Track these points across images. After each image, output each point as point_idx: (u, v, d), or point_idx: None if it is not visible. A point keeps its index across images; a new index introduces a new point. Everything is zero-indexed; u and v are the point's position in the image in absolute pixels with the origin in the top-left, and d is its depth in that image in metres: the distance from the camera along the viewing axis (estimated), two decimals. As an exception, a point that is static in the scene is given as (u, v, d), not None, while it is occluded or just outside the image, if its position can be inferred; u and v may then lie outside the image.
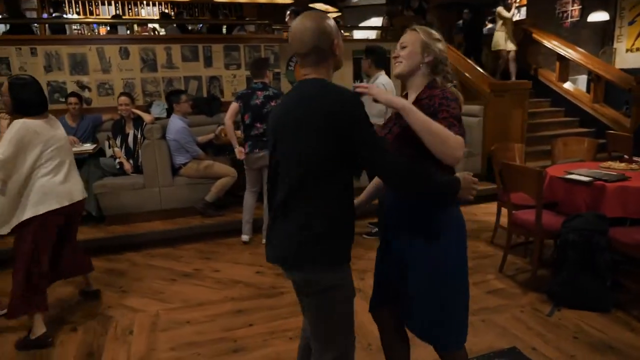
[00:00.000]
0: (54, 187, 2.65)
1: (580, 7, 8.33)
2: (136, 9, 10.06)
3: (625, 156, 4.27)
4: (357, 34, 9.94)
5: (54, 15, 8.52)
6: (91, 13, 9.85)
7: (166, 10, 9.65)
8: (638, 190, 2.88)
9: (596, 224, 2.83)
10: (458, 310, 1.68)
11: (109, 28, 8.30)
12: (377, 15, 10.86)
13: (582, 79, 7.69)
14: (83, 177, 4.18)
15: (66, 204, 2.70)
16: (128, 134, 4.64)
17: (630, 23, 7.80)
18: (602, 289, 2.80)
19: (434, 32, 1.64)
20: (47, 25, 7.66)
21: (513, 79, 7.27)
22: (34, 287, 2.65)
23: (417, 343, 1.78)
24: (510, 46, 7.44)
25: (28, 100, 2.57)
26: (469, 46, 8.37)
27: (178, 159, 4.48)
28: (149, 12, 10.05)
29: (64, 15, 8.72)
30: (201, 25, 8.77)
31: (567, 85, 7.32)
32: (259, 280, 3.41)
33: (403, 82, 1.72)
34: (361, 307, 2.72)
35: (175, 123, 4.43)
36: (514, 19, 7.37)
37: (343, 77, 6.32)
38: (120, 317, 2.96)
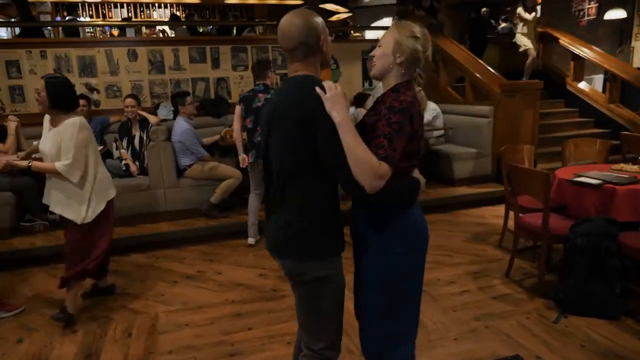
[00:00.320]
0: (107, 176, 2.96)
1: (597, 4, 8.15)
2: (148, 12, 10.16)
3: (640, 158, 4.14)
4: (369, 34, 9.88)
5: (67, 18, 8.64)
6: (104, 16, 9.99)
7: (177, 13, 9.71)
8: (650, 194, 2.78)
9: (606, 228, 2.73)
10: (400, 327, 1.61)
11: (119, 31, 8.39)
12: (389, 15, 10.79)
13: (598, 78, 7.51)
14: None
15: (114, 194, 3.00)
16: (134, 136, 4.66)
17: (649, 20, 7.60)
18: (611, 295, 2.70)
19: (414, 29, 1.52)
20: (60, 28, 7.76)
21: (524, 79, 7.13)
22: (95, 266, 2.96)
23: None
24: (531, 45, 7.16)
25: (66, 97, 2.72)
26: (473, 45, 8.25)
27: (183, 160, 4.48)
28: (160, 14, 10.14)
29: (77, 19, 8.83)
30: (211, 27, 8.82)
31: (582, 85, 7.15)
32: (260, 282, 3.38)
33: None
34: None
35: (181, 125, 4.44)
36: (527, 17, 7.18)
37: (352, 78, 6.28)
38: (120, 319, 2.96)
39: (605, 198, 2.91)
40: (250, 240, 4.11)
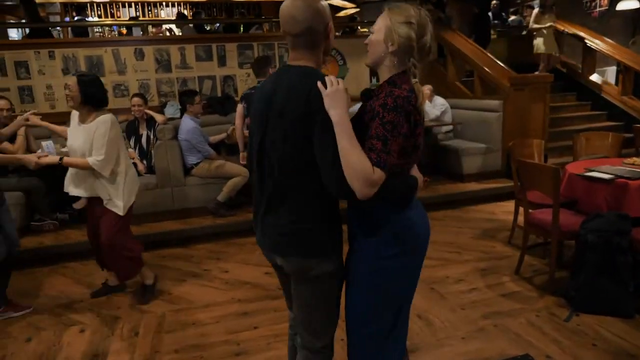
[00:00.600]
0: (134, 171, 3.04)
1: (608, -5, 7.98)
2: (155, 10, 10.19)
3: (654, 151, 4.04)
4: (376, 30, 9.80)
5: (76, 18, 8.70)
6: (112, 15, 10.04)
7: (184, 11, 9.73)
8: (664, 188, 2.70)
9: (617, 224, 2.67)
10: (388, 332, 1.54)
11: (126, 30, 8.43)
12: (396, 9, 10.67)
13: (611, 70, 7.36)
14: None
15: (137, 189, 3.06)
16: (141, 135, 4.67)
17: (663, 10, 7.42)
18: (623, 293, 2.64)
19: (408, 13, 1.38)
20: (69, 28, 7.82)
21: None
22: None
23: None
24: (551, 50, 6.84)
25: (97, 94, 2.79)
26: (477, 39, 8.13)
27: (190, 159, 4.48)
28: (168, 12, 10.16)
29: (86, 19, 8.88)
30: (218, 24, 8.82)
31: (594, 77, 7.02)
32: (266, 281, 3.37)
33: None
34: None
35: (187, 123, 4.44)
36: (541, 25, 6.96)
37: (359, 74, 6.24)
38: (127, 318, 2.97)
39: (617, 193, 2.84)
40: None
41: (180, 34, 7.96)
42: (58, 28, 8.18)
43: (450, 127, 5.75)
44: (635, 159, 3.26)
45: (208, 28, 8.71)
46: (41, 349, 2.65)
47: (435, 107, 5.50)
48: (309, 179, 1.40)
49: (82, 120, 2.82)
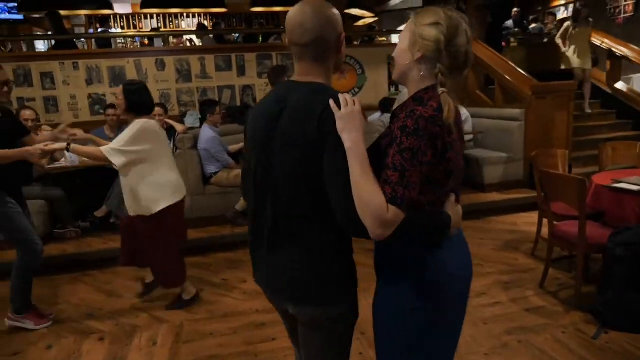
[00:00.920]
0: (178, 180, 3.02)
1: (634, 1, 7.82)
2: (177, 22, 10.38)
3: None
4: (395, 39, 9.79)
5: (99, 30, 8.91)
6: (135, 27, 10.26)
7: (204, 22, 9.88)
8: (697, 201, 2.60)
9: (648, 237, 2.57)
10: None
11: (148, 41, 8.59)
12: (415, 18, 10.66)
13: (637, 78, 7.18)
14: (118, 187, 4.33)
15: (181, 197, 3.03)
16: (162, 144, 4.72)
17: (691, 16, 7.23)
18: (655, 309, 2.54)
19: (436, 14, 1.19)
20: (93, 40, 8.01)
21: (587, 104, 6.67)
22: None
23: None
24: (585, 64, 6.56)
25: (141, 102, 2.88)
26: (491, 44, 8.05)
27: (209, 168, 4.51)
28: (188, 23, 10.33)
29: (109, 30, 9.10)
30: (238, 35, 8.92)
31: (620, 85, 6.85)
32: (285, 291, 3.34)
33: None
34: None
35: (206, 133, 4.47)
36: (562, 16, 6.89)
37: (378, 83, 6.22)
38: (145, 327, 2.97)
39: (647, 205, 2.74)
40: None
41: (201, 44, 8.08)
42: (82, 39, 8.38)
43: (471, 136, 5.67)
44: (665, 169, 3.16)
45: (227, 39, 8.81)
46: (61, 357, 2.67)
47: (455, 116, 5.43)
48: (326, 210, 1.20)
49: (129, 124, 2.90)
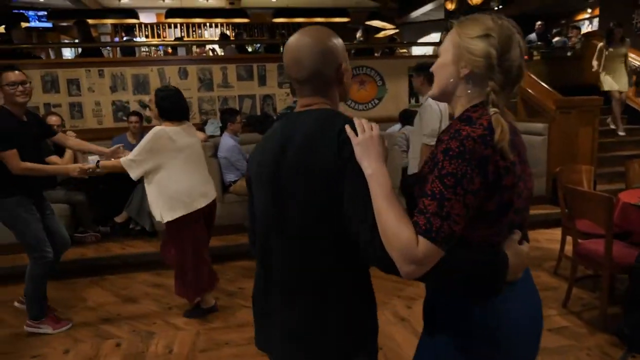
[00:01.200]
0: (197, 188, 2.98)
1: (661, 15, 7.67)
2: (199, 31, 10.55)
3: None
4: (415, 50, 9.79)
5: (125, 39, 9.11)
6: (159, 36, 10.47)
7: (226, 32, 10.02)
8: None
9: (678, 259, 2.48)
10: None
11: (171, 49, 8.75)
12: (436, 30, 10.65)
13: (665, 93, 7.02)
14: (138, 193, 4.39)
15: (203, 204, 3.00)
16: (182, 152, 4.76)
17: None
18: (686, 334, 2.44)
19: (485, 24, 1.03)
20: (118, 48, 8.19)
21: (619, 126, 6.46)
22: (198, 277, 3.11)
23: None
24: (621, 86, 6.31)
25: (168, 108, 2.92)
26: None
27: (228, 176, 4.53)
28: (211, 33, 10.50)
29: (134, 39, 9.30)
30: (259, 45, 9.03)
31: (646, 100, 6.71)
32: (301, 303, 3.32)
33: None
34: (404, 337, 2.55)
35: (227, 141, 4.50)
36: (586, 30, 6.78)
37: (398, 94, 6.19)
38: (162, 334, 2.98)
39: (678, 225, 2.65)
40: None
41: (223, 53, 8.18)
42: (108, 47, 8.57)
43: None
44: (696, 189, 3.05)
45: (250, 50, 8.93)
46: (79, 361, 2.69)
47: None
48: (345, 247, 1.10)
49: None
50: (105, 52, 7.80)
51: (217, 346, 2.81)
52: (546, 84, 5.67)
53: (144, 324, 3.11)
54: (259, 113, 5.84)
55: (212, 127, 5.39)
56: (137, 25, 10.15)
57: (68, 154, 4.38)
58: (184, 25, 10.47)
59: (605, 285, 2.78)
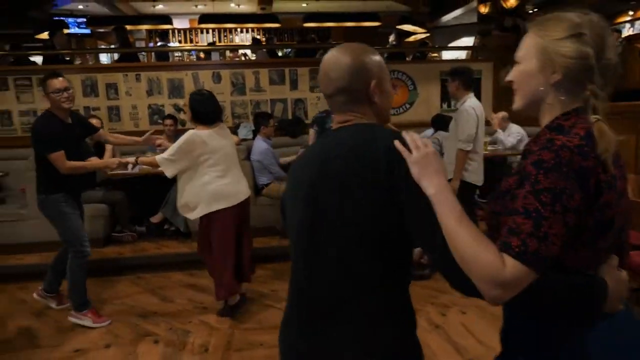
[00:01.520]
0: (223, 188, 3.04)
1: None
2: (231, 36, 10.73)
3: None
4: (447, 55, 9.69)
5: (159, 44, 9.34)
6: (191, 41, 10.69)
7: (257, 36, 10.15)
8: None
9: None
10: None
11: (204, 54, 8.93)
12: (469, 34, 10.52)
13: None
14: (174, 195, 4.48)
15: (235, 203, 3.08)
16: (216, 154, 4.85)
17: None
18: None
19: (572, 22, 0.93)
20: (153, 53, 8.40)
21: None
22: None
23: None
24: None
25: (202, 112, 3.02)
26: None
27: (261, 179, 4.58)
28: (242, 38, 10.65)
29: (168, 44, 9.52)
30: (289, 50, 9.11)
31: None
32: (334, 306, 3.32)
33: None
34: (438, 345, 2.53)
35: (260, 144, 4.56)
36: (628, 33, 6.54)
37: (430, 99, 6.14)
38: (197, 332, 3.03)
39: None
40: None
41: (254, 58, 8.29)
42: (143, 53, 8.81)
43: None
44: None
45: (280, 54, 9.02)
46: (119, 356, 2.77)
47: (510, 135, 5.28)
48: (391, 268, 1.06)
49: None
50: (140, 58, 8.02)
51: (251, 346, 2.84)
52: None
53: (180, 322, 3.17)
54: (290, 117, 5.89)
55: (245, 131, 5.46)
56: (170, 31, 10.39)
57: (107, 154, 4.53)
58: (216, 30, 10.66)
59: (652, 297, 2.68)
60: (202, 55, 9.39)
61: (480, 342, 2.71)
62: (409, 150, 1.00)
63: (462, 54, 8.68)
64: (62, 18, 9.38)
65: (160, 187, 4.56)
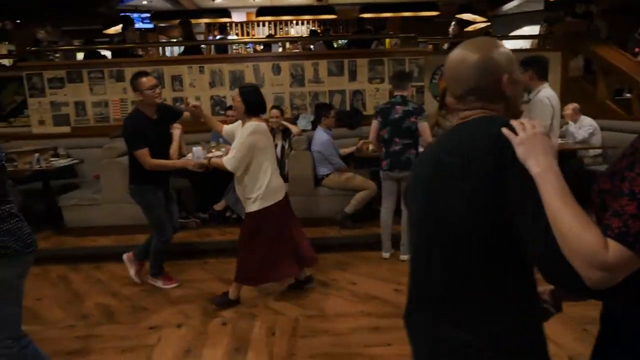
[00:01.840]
0: (277, 181, 3.16)
1: None
2: (287, 29, 10.83)
3: None
4: (508, 44, 9.31)
5: (218, 37, 9.59)
6: (248, 34, 10.89)
7: (313, 28, 10.18)
8: None
9: None
10: None
11: (262, 47, 9.07)
12: (531, 23, 10.05)
13: None
14: (234, 184, 4.61)
15: (281, 197, 3.19)
16: (276, 145, 4.93)
17: None
18: None
19: None
20: (212, 45, 8.64)
21: None
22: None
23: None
24: None
25: (257, 103, 3.08)
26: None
27: (321, 170, 4.62)
28: (297, 30, 10.72)
29: (227, 37, 9.75)
30: (345, 41, 9.07)
31: None
32: (397, 298, 3.30)
33: None
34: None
35: (321, 135, 4.59)
36: None
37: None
38: (264, 317, 3.12)
39: None
40: (385, 255, 4.07)
41: (313, 49, 8.34)
42: (203, 45, 9.08)
43: (600, 151, 5.18)
44: None
45: (335, 45, 9.01)
46: (190, 336, 2.90)
47: (581, 128, 5.01)
48: (508, 260, 1.04)
49: (243, 124, 3.10)
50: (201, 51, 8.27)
51: (316, 334, 2.89)
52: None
53: (246, 307, 3.27)
54: (348, 109, 5.88)
55: (304, 122, 5.52)
56: (228, 25, 10.63)
57: (174, 145, 4.69)
58: (272, 23, 10.79)
59: None
60: (258, 47, 9.55)
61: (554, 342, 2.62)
62: (517, 135, 0.99)
63: (525, 44, 8.31)
64: (127, 14, 9.83)
65: (223, 176, 4.69)
